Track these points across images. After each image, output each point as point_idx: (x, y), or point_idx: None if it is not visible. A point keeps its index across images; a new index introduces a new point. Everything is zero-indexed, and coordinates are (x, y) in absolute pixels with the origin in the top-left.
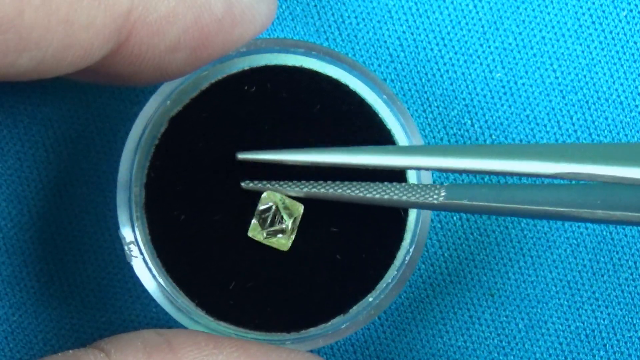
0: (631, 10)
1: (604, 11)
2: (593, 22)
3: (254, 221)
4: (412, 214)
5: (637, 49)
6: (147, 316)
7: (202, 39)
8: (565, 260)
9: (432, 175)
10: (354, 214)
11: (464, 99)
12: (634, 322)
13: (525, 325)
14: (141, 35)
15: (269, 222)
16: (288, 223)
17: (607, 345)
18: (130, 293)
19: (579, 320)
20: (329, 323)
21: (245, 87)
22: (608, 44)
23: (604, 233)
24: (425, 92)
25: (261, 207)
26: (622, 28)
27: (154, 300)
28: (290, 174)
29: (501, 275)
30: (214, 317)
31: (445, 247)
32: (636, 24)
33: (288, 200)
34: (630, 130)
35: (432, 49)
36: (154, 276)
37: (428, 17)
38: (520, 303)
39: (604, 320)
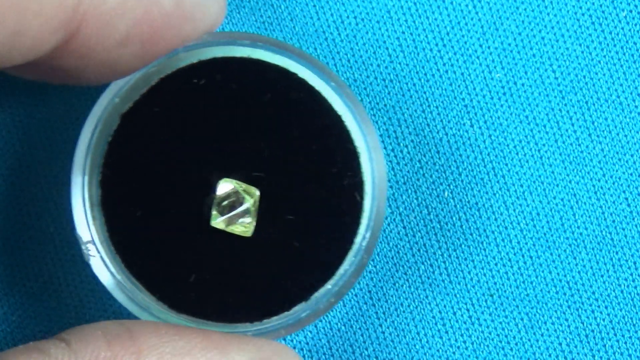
0: (631, 11)
1: (603, 12)
2: (593, 23)
3: (214, 211)
4: (367, 198)
5: (637, 50)
6: (108, 314)
7: (151, 33)
8: (564, 260)
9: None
10: (309, 200)
11: (463, 100)
12: (634, 322)
13: (525, 326)
14: (91, 28)
15: (229, 208)
16: (250, 203)
17: (607, 346)
18: (92, 292)
19: (579, 321)
20: (291, 311)
21: (195, 81)
22: (608, 45)
23: (604, 233)
24: (425, 93)
25: (219, 193)
26: (622, 29)
27: (114, 298)
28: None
29: (500, 275)
30: (175, 311)
31: (444, 247)
32: (636, 25)
33: (244, 185)
34: (630, 131)
35: (431, 50)
36: (112, 274)
37: (427, 18)
38: (520, 303)
39: (603, 320)
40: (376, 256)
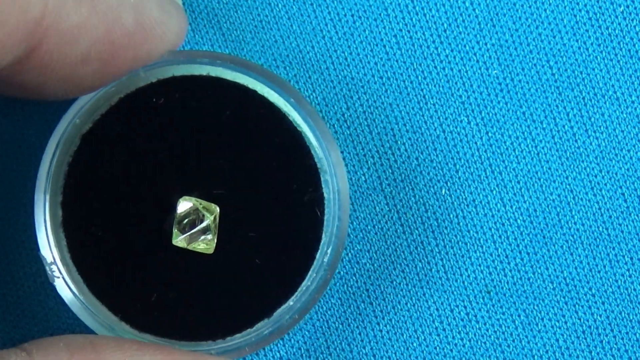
0: (627, 7)
1: (600, 7)
2: (589, 19)
3: (175, 229)
4: (329, 213)
5: (634, 45)
6: (73, 329)
7: (112, 51)
8: (561, 256)
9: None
10: (270, 217)
11: (460, 96)
12: (631, 318)
13: (522, 322)
14: (52, 43)
15: (189, 225)
16: (209, 220)
17: (604, 342)
18: (57, 307)
19: (576, 317)
20: (254, 328)
21: (154, 100)
22: (605, 40)
23: (600, 229)
24: (422, 90)
25: (179, 211)
26: (619, 24)
27: (79, 318)
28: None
29: (497, 272)
30: (138, 330)
31: (441, 245)
32: (632, 20)
33: (204, 202)
34: (627, 127)
35: (428, 47)
36: (75, 295)
37: (425, 15)
38: (517, 300)
39: (600, 316)
40: (374, 254)
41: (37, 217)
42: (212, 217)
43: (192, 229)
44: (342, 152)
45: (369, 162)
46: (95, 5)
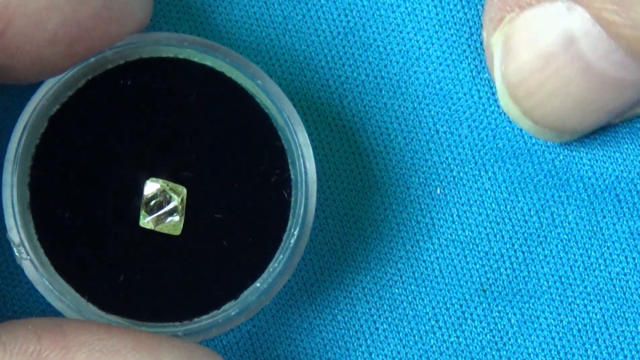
0: None
1: None
2: None
3: (142, 211)
4: (296, 195)
5: None
6: (41, 313)
7: (79, 32)
8: (556, 255)
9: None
10: (237, 199)
11: (451, 98)
12: (626, 316)
13: (518, 321)
14: (19, 26)
15: (157, 207)
16: (177, 201)
17: (600, 340)
18: (24, 295)
19: (571, 315)
20: (220, 310)
21: (122, 82)
22: None
23: (595, 229)
24: (415, 90)
25: (146, 193)
26: None
27: (46, 300)
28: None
29: (493, 271)
30: (105, 312)
31: (436, 243)
32: None
33: (171, 184)
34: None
35: (419, 47)
36: (42, 276)
37: (416, 16)
38: (513, 298)
39: (596, 315)
40: (370, 252)
41: (4, 199)
42: (179, 199)
43: (159, 210)
44: (337, 151)
45: (364, 159)
46: None
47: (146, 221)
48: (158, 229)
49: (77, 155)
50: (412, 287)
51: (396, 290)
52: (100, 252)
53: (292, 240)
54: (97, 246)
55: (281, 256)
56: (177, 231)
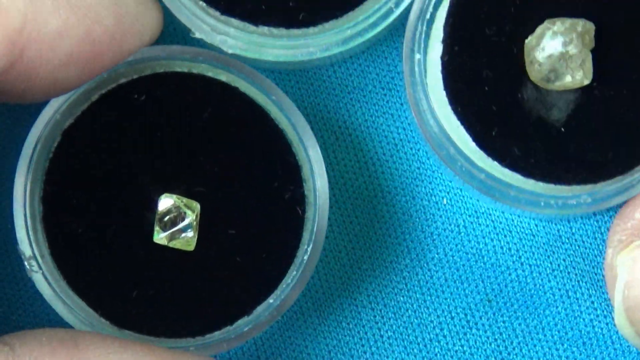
0: None
1: None
2: None
3: (156, 227)
4: (309, 211)
5: None
6: (53, 324)
7: (93, 51)
8: (564, 270)
9: None
10: (250, 215)
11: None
12: None
13: (522, 331)
14: (34, 50)
15: (171, 223)
16: (191, 217)
17: (604, 353)
18: (35, 307)
19: (577, 329)
20: (233, 325)
21: (135, 96)
22: None
23: (598, 241)
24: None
25: (161, 209)
26: None
27: (57, 313)
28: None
29: (498, 282)
30: (118, 327)
31: (442, 252)
32: None
33: (185, 199)
34: None
35: None
36: (54, 290)
37: None
38: (518, 309)
39: (601, 329)
40: (375, 260)
41: (16, 212)
42: (193, 215)
43: (174, 226)
44: (343, 160)
45: (370, 169)
46: (74, 7)
47: (160, 237)
48: (172, 244)
49: (90, 170)
50: (418, 295)
51: (401, 299)
52: (113, 266)
53: (306, 257)
54: (110, 261)
55: (294, 272)
56: (191, 247)
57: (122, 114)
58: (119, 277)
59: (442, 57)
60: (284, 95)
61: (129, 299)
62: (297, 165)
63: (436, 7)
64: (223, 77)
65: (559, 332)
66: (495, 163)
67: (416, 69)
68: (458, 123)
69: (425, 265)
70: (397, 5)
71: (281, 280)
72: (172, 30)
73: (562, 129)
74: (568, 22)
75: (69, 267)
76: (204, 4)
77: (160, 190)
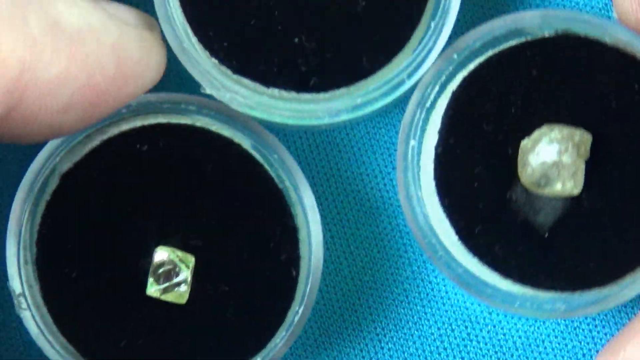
0: None
1: None
2: None
3: (150, 279)
4: (303, 273)
5: None
6: None
7: (94, 97)
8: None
9: None
10: (245, 273)
11: None
12: None
13: (523, 344)
14: (33, 98)
15: (165, 276)
16: (187, 273)
17: None
18: (25, 344)
19: (576, 340)
20: None
21: (138, 146)
22: None
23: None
24: None
25: (156, 261)
26: None
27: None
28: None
29: None
30: None
31: None
32: None
33: (180, 253)
34: None
35: None
36: (42, 331)
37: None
38: (518, 321)
39: (600, 339)
40: (376, 272)
41: (8, 250)
42: (188, 271)
43: (168, 279)
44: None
45: (372, 181)
46: (74, 53)
47: (153, 290)
48: (164, 297)
49: (87, 215)
50: (418, 307)
51: (402, 310)
52: (104, 313)
53: (296, 318)
54: (101, 308)
55: (283, 332)
56: (183, 300)
57: (122, 162)
58: (108, 324)
59: (436, 147)
60: (288, 154)
61: (117, 347)
62: (295, 227)
63: (438, 95)
64: (226, 132)
65: (559, 344)
66: (475, 260)
67: (409, 154)
68: (443, 215)
69: (426, 277)
70: (409, 76)
71: (270, 339)
72: (179, 80)
73: (546, 235)
74: (566, 130)
75: (59, 311)
76: (217, 61)
77: (157, 241)
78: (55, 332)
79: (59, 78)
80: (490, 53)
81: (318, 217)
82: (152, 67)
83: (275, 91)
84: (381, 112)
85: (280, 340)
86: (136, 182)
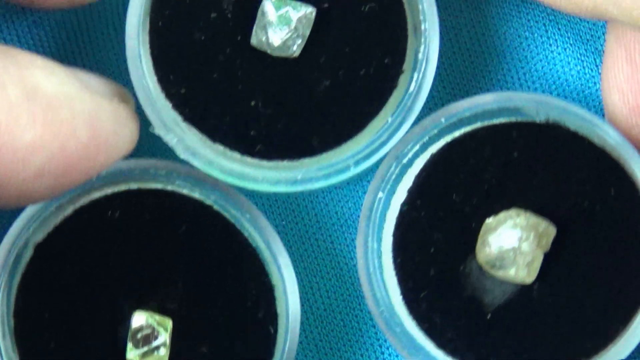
0: None
1: None
2: None
3: (129, 344)
4: (281, 330)
5: None
6: None
7: (66, 165)
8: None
9: None
10: (223, 333)
11: None
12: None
13: None
14: (7, 162)
15: (143, 340)
16: (165, 336)
17: None
18: None
19: None
20: None
21: (109, 213)
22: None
23: None
24: None
25: (134, 326)
26: None
27: None
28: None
29: None
30: None
31: None
32: None
33: (157, 316)
34: None
35: None
36: None
37: None
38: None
39: None
40: (355, 325)
41: None
42: (166, 334)
43: (146, 343)
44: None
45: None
46: (50, 121)
47: (132, 355)
48: None
49: (63, 285)
50: None
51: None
52: None
53: None
54: None
55: None
56: None
57: (96, 229)
58: None
59: (402, 205)
60: (260, 213)
61: None
62: (270, 284)
63: (417, 154)
64: (197, 194)
65: None
66: (414, 323)
67: (375, 205)
68: (393, 272)
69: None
70: (356, 164)
71: None
72: (149, 145)
73: (489, 316)
74: (532, 219)
75: None
76: (171, 104)
77: (134, 306)
78: None
79: (32, 146)
80: (478, 125)
81: (293, 274)
82: (124, 138)
83: (219, 147)
84: (357, 178)
85: None
86: (110, 249)
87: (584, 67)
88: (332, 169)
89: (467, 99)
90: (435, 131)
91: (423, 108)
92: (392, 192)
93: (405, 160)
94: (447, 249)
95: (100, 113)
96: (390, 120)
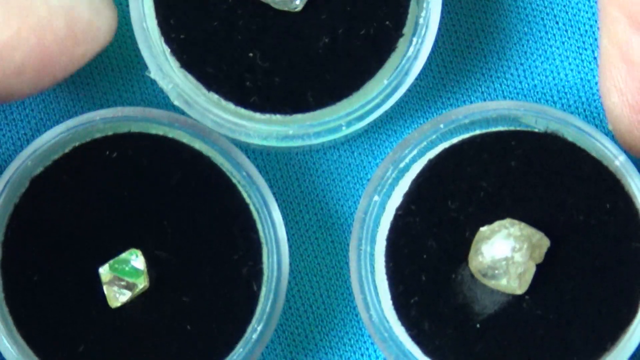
0: None
1: None
2: None
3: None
4: (264, 289)
5: None
6: None
7: (46, 59)
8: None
9: None
10: (206, 285)
11: None
12: None
13: None
14: None
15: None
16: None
17: None
18: None
19: None
20: None
21: (107, 153)
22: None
23: None
24: None
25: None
26: None
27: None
28: None
29: None
30: None
31: None
32: None
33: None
34: None
35: None
36: (2, 332)
37: None
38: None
39: None
40: (345, 294)
41: None
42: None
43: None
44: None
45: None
46: (25, 16)
47: (104, 272)
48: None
49: (54, 220)
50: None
51: (370, 338)
52: (64, 318)
53: (255, 335)
54: (61, 312)
55: (240, 349)
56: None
57: (93, 169)
58: (67, 329)
59: (397, 209)
60: (257, 171)
61: (75, 353)
62: (259, 241)
63: (414, 159)
64: (197, 145)
65: None
66: (403, 329)
67: (370, 208)
68: (384, 276)
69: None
70: (348, 125)
71: (226, 355)
72: (153, 97)
73: (478, 325)
74: (526, 230)
75: (20, 313)
76: (169, 50)
77: (121, 249)
78: (15, 334)
79: (10, 42)
80: (476, 132)
81: (284, 235)
82: (102, 28)
83: (214, 96)
84: (353, 138)
85: (237, 357)
86: (105, 189)
87: (582, 61)
88: (324, 127)
89: (467, 106)
90: (434, 137)
91: (420, 75)
92: (387, 195)
93: (402, 165)
94: (440, 256)
95: (76, 4)
96: (386, 82)
